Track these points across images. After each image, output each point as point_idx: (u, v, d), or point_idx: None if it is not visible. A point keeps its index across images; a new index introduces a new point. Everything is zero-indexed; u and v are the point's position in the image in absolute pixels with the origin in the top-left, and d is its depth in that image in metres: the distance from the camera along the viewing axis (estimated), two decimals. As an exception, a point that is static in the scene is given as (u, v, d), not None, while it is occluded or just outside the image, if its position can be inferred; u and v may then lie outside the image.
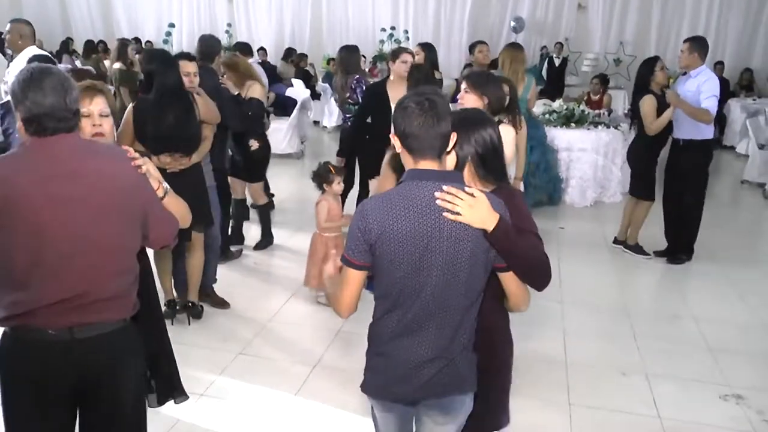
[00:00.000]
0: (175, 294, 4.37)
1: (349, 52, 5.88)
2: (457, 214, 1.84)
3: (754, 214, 8.16)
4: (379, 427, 2.22)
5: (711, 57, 13.27)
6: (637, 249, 5.87)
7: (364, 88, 5.60)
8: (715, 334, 4.50)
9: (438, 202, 1.85)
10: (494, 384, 2.28)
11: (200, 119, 4.13)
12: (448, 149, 1.97)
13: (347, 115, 5.76)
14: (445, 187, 1.86)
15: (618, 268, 5.71)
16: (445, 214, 1.85)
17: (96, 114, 2.39)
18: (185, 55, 4.45)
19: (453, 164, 2.11)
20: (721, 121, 11.90)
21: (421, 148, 1.90)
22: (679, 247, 5.75)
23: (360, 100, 5.56)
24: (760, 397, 3.71)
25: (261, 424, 3.36)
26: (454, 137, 1.96)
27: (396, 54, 5.05)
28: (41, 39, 11.83)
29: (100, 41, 14.94)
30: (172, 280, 4.35)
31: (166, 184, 2.29)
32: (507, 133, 3.23)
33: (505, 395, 2.39)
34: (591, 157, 7.56)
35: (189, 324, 4.29)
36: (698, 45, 5.45)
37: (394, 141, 1.97)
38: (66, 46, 13.92)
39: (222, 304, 4.56)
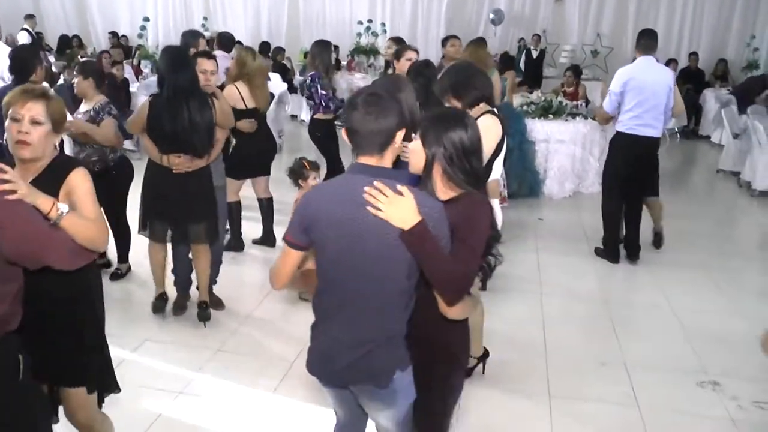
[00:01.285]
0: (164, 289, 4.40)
1: (323, 46, 5.78)
2: (378, 209, 1.91)
3: (729, 202, 8.26)
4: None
5: (687, 48, 13.58)
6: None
7: (318, 85, 5.54)
8: (693, 322, 4.54)
9: (365, 195, 1.93)
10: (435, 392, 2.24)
11: (215, 122, 4.03)
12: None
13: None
14: (375, 182, 1.93)
15: (596, 258, 5.73)
16: (368, 207, 1.93)
17: (26, 120, 2.21)
18: (204, 53, 4.36)
19: (421, 162, 2.12)
20: (696, 111, 12.06)
21: (360, 143, 2.01)
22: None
23: (313, 96, 5.55)
24: (736, 384, 3.76)
25: (239, 421, 3.33)
26: (399, 134, 2.01)
27: (399, 53, 4.97)
28: (12, 34, 11.72)
29: (75, 36, 14.71)
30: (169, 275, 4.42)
31: (63, 207, 2.10)
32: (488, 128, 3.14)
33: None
34: (569, 149, 7.59)
35: (205, 326, 4.23)
36: (637, 38, 5.48)
37: (344, 136, 2.07)
38: (39, 41, 13.68)
39: (218, 304, 4.49)
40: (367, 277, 2.00)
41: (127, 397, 2.89)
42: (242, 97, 4.99)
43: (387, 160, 2.03)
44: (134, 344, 3.94)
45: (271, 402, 3.49)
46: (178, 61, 3.92)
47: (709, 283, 5.26)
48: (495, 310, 4.55)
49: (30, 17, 12.99)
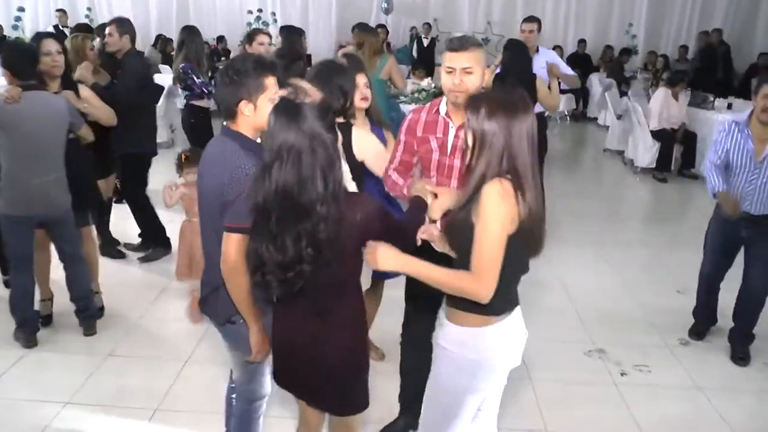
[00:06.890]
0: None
1: (192, 33, 5.41)
2: None
3: (615, 179, 8.73)
4: None
5: (573, 35, 14.17)
6: None
7: (193, 75, 5.21)
8: (581, 296, 4.77)
9: None
10: None
11: None
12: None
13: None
14: None
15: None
16: None
17: None
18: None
19: None
20: (584, 94, 12.62)
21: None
22: None
23: (192, 87, 5.24)
24: (619, 351, 3.99)
25: (133, 425, 3.20)
26: (243, 105, 2.17)
27: (251, 36, 4.87)
28: None
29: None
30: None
31: None
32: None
33: None
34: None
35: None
36: None
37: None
38: None
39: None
40: None
41: (6, 412, 2.72)
42: None
43: (242, 126, 2.23)
44: (18, 354, 3.72)
45: (166, 402, 3.37)
46: None
47: (597, 257, 5.53)
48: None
49: None
